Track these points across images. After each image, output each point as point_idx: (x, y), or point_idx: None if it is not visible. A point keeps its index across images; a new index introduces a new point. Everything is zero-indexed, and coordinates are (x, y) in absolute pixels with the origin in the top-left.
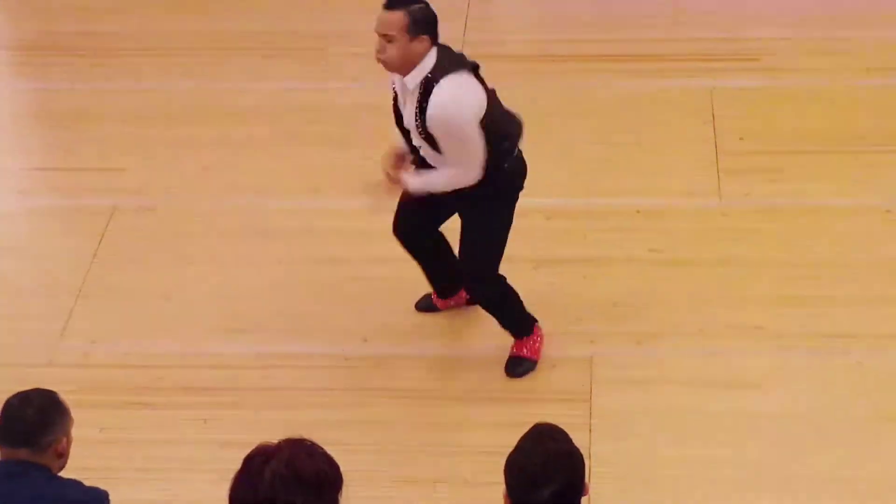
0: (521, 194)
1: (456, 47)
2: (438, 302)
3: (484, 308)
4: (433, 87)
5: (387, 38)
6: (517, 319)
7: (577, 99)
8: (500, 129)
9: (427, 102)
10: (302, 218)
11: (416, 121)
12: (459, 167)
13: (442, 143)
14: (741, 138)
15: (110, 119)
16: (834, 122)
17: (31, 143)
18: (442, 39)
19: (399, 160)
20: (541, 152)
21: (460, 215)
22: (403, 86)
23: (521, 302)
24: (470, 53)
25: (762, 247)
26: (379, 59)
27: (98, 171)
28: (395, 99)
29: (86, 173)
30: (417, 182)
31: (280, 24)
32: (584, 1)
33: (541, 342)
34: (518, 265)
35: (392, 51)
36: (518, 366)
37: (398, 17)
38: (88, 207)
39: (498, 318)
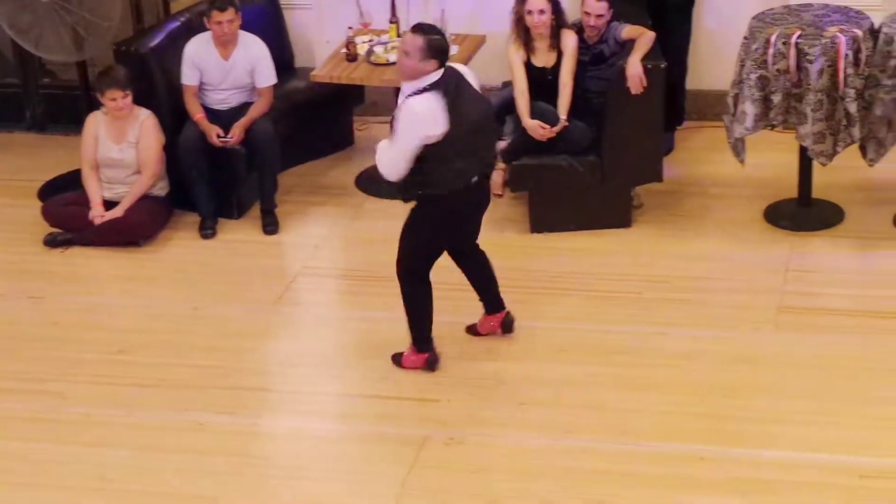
0: (833, 451)
1: (775, 297)
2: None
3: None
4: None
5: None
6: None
7: None
8: (433, 166)
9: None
10: (608, 460)
11: None
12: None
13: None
14: None
15: None
16: None
17: (350, 369)
18: (759, 290)
19: None
20: (855, 409)
21: None
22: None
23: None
24: (789, 304)
25: None
26: None
27: (413, 400)
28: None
29: (401, 402)
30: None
31: (598, 266)
32: None
33: (417, 364)
34: None
35: None
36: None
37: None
38: (401, 436)
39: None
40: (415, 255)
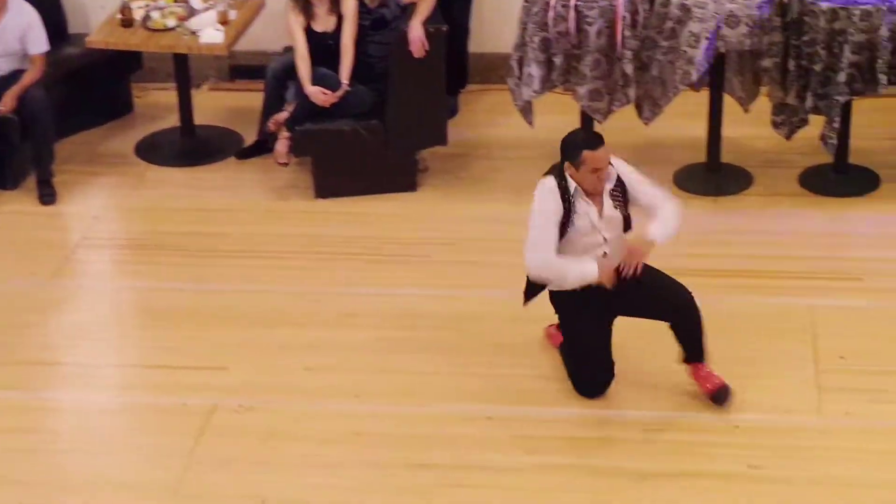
0: (619, 407)
1: None
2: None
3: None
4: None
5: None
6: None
7: None
8: None
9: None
10: (397, 423)
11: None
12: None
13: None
14: (842, 357)
15: (214, 319)
16: None
17: (134, 340)
18: None
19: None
20: (639, 366)
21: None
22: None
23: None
24: None
25: (862, 467)
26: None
27: (199, 369)
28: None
29: (187, 372)
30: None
31: (384, 230)
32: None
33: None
34: (618, 479)
35: None
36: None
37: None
38: (188, 406)
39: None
40: None
